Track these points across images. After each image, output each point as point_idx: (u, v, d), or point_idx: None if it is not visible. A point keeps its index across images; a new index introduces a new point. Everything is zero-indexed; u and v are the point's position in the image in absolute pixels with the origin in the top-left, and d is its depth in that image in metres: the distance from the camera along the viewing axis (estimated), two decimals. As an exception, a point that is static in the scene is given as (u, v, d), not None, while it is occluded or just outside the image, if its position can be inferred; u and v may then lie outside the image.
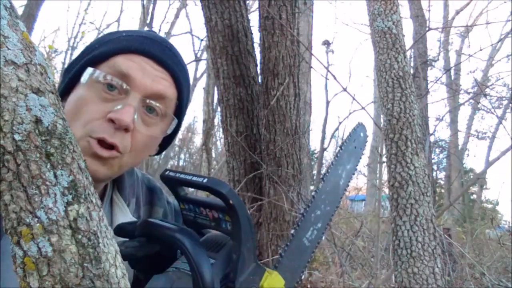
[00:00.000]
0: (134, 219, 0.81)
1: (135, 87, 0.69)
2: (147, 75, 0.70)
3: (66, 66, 0.79)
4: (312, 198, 0.83)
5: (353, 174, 0.91)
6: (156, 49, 0.72)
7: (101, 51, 0.71)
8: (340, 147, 0.93)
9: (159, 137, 0.77)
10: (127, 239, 0.65)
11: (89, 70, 0.69)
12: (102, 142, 0.68)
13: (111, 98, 0.69)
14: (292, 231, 0.78)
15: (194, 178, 0.63)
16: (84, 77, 0.69)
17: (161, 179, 0.68)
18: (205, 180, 0.61)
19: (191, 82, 0.89)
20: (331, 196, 0.85)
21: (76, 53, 0.79)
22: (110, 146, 0.69)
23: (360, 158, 0.96)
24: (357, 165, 0.93)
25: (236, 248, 0.62)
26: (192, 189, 0.72)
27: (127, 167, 0.75)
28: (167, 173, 0.66)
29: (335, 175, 0.88)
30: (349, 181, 0.90)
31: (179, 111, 0.78)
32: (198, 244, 0.60)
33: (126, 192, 0.82)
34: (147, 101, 0.71)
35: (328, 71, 2.81)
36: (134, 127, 0.69)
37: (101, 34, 0.78)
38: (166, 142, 0.83)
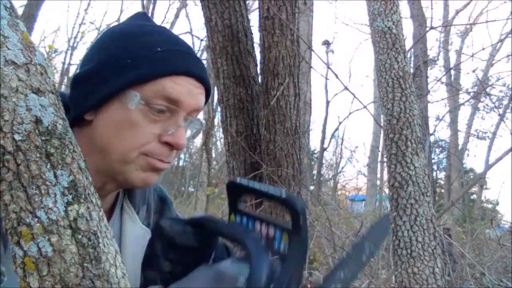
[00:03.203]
0: (143, 226, 0.82)
1: (181, 107, 0.72)
2: (192, 94, 0.73)
3: (77, 74, 0.75)
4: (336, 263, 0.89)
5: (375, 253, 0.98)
6: (197, 68, 0.74)
7: (145, 73, 0.70)
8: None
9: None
10: (176, 219, 0.68)
11: (136, 95, 0.69)
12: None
13: (158, 119, 0.71)
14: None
15: (271, 190, 0.62)
16: (132, 104, 0.69)
17: (229, 185, 0.68)
18: (283, 194, 0.60)
19: None
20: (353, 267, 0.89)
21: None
22: None
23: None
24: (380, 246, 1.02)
25: (286, 268, 0.60)
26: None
27: None
28: (238, 180, 0.67)
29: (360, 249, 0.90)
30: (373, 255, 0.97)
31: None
32: (263, 249, 0.61)
33: (137, 199, 0.83)
34: (188, 116, 0.74)
35: (329, 68, 2.81)
36: None
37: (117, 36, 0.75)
38: None
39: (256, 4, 6.25)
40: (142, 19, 0.79)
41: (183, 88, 0.71)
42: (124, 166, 0.70)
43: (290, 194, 0.61)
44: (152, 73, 0.70)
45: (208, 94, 0.78)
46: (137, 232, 0.80)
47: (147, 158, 0.71)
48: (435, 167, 14.44)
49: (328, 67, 3.06)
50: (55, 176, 0.46)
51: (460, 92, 7.98)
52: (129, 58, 0.71)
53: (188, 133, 0.79)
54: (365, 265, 0.97)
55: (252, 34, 2.72)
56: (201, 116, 0.84)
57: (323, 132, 11.26)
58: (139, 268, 0.78)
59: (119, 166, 0.70)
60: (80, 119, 0.72)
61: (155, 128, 0.70)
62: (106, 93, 0.70)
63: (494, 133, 13.12)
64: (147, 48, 0.72)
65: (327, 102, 11.41)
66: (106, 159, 0.70)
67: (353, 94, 2.62)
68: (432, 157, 12.04)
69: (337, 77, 2.38)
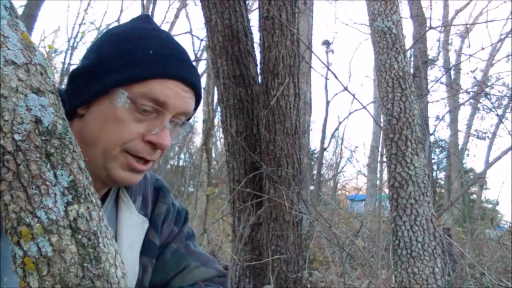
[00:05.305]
0: (140, 215, 0.84)
1: (168, 109, 0.74)
2: (180, 98, 0.75)
3: (75, 70, 0.78)
4: None
5: None
6: (187, 73, 0.76)
7: (134, 74, 0.72)
8: None
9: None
10: None
11: (124, 94, 0.71)
12: (141, 159, 0.74)
13: (144, 118, 0.73)
14: None
15: None
16: (118, 102, 0.72)
17: None
18: None
19: None
20: None
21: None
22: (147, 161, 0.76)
23: None
24: None
25: None
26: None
27: None
28: None
29: None
30: None
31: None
32: None
33: (133, 189, 0.85)
34: (174, 118, 0.76)
35: (329, 69, 2.81)
36: None
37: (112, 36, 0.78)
38: None
39: (256, 4, 6.25)
40: (143, 22, 0.82)
41: (171, 91, 0.74)
42: (107, 161, 0.73)
43: None
44: (141, 74, 0.73)
45: (198, 100, 0.80)
46: (134, 221, 0.83)
47: (127, 157, 0.73)
48: (435, 167, 14.45)
49: (328, 68, 3.06)
50: (55, 176, 0.46)
51: (460, 92, 7.97)
52: (122, 59, 0.73)
53: (178, 135, 0.81)
54: None
55: (252, 34, 2.73)
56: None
57: (323, 132, 11.27)
58: (136, 255, 0.81)
59: (102, 160, 0.73)
60: (73, 112, 0.75)
61: (140, 127, 0.73)
62: (97, 90, 0.73)
63: (494, 133, 13.12)
64: (141, 50, 0.74)
65: (327, 102, 11.41)
66: (91, 153, 0.72)
67: (352, 94, 2.63)
68: (432, 157, 12.04)
69: (336, 78, 2.38)
